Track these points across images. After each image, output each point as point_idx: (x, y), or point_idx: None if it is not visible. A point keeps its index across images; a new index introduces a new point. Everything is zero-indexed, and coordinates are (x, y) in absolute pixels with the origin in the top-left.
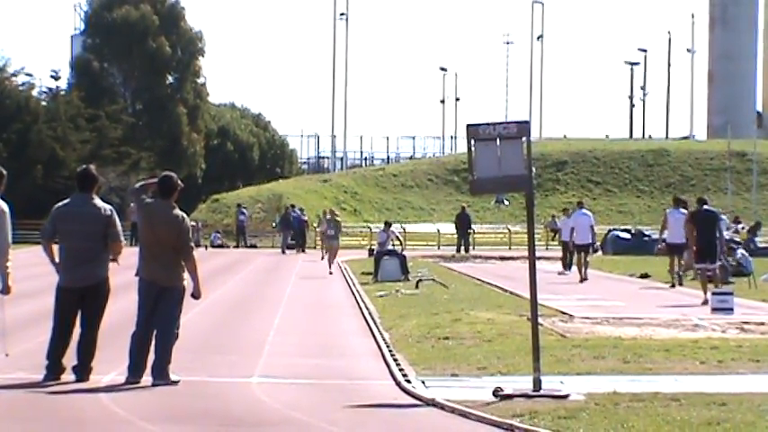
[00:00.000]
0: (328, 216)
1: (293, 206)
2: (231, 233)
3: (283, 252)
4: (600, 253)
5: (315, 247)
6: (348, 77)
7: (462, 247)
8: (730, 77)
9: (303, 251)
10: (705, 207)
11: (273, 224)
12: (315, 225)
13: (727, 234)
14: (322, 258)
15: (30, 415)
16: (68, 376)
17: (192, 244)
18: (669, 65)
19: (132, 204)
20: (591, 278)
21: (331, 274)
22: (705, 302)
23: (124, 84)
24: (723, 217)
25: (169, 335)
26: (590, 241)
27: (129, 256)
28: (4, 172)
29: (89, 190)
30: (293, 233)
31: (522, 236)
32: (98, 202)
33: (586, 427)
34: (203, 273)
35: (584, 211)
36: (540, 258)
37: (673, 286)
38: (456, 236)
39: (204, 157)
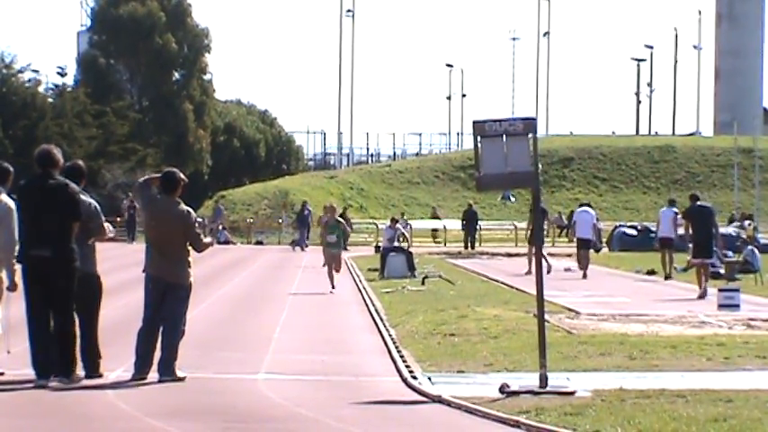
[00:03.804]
0: (327, 216)
1: (305, 202)
2: (238, 230)
3: (302, 249)
4: (606, 250)
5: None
6: (354, 74)
7: (469, 244)
8: (737, 74)
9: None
10: (699, 203)
11: (280, 220)
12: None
13: (733, 231)
14: (323, 265)
15: (36, 411)
16: (78, 372)
17: (202, 237)
18: (676, 61)
19: (125, 201)
20: (598, 275)
21: (332, 292)
22: (701, 296)
23: (130, 80)
24: (746, 224)
25: (175, 331)
26: (590, 236)
27: (133, 253)
28: (11, 169)
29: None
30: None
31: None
32: (85, 197)
33: (593, 424)
34: (210, 269)
35: (584, 208)
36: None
37: (667, 278)
38: (463, 232)
39: (210, 154)
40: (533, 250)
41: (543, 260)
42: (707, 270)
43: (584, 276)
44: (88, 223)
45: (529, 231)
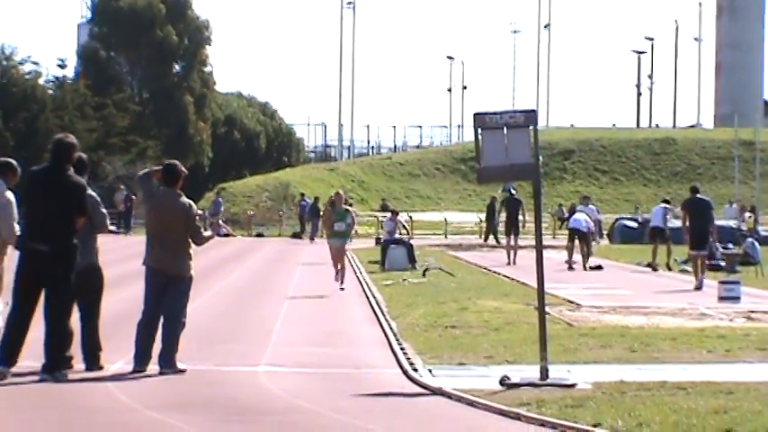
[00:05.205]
0: (334, 203)
1: (303, 195)
2: (238, 222)
3: (311, 240)
4: (607, 242)
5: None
6: (355, 66)
7: (491, 236)
8: (737, 66)
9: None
10: (698, 195)
11: (281, 212)
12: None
13: (734, 223)
14: (336, 273)
15: (37, 403)
16: (79, 365)
17: (202, 230)
18: (676, 53)
19: (116, 194)
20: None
21: (342, 289)
22: (698, 288)
23: (131, 72)
24: (735, 206)
25: (176, 324)
26: (582, 228)
27: (132, 245)
28: (18, 168)
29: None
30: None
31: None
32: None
33: (593, 416)
34: (211, 261)
35: (583, 206)
36: (547, 247)
37: (654, 269)
38: (485, 225)
39: (211, 146)
40: (510, 241)
41: (512, 253)
42: (703, 262)
43: (585, 268)
44: (93, 218)
45: (503, 224)
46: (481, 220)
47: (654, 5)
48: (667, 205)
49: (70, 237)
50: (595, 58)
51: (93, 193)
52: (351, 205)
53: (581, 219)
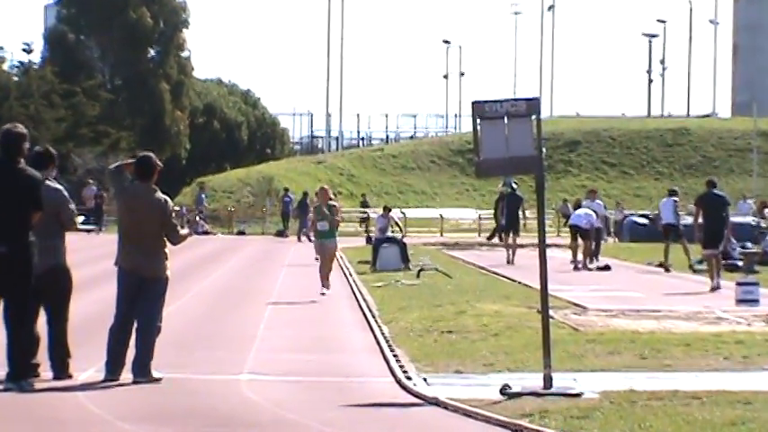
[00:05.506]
0: (318, 200)
1: (286, 189)
2: (218, 219)
3: (299, 240)
4: (613, 240)
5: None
6: (344, 51)
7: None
8: (756, 50)
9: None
10: (714, 191)
11: (263, 209)
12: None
13: (753, 220)
14: (316, 258)
15: (3, 414)
16: (46, 373)
17: (179, 227)
18: (690, 37)
19: (86, 189)
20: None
21: (324, 294)
22: (713, 289)
23: (102, 58)
24: (750, 202)
25: (151, 329)
26: (582, 224)
27: (105, 244)
28: None
29: (43, 169)
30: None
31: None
32: (52, 184)
33: (601, 428)
34: (189, 261)
35: (590, 201)
36: (550, 246)
37: (667, 269)
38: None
39: (189, 137)
40: (509, 240)
41: (510, 252)
42: (718, 261)
43: (585, 267)
44: (61, 215)
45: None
46: (480, 217)
47: None
48: (675, 197)
49: (26, 235)
50: (603, 42)
51: (61, 188)
52: (332, 199)
53: (581, 214)
